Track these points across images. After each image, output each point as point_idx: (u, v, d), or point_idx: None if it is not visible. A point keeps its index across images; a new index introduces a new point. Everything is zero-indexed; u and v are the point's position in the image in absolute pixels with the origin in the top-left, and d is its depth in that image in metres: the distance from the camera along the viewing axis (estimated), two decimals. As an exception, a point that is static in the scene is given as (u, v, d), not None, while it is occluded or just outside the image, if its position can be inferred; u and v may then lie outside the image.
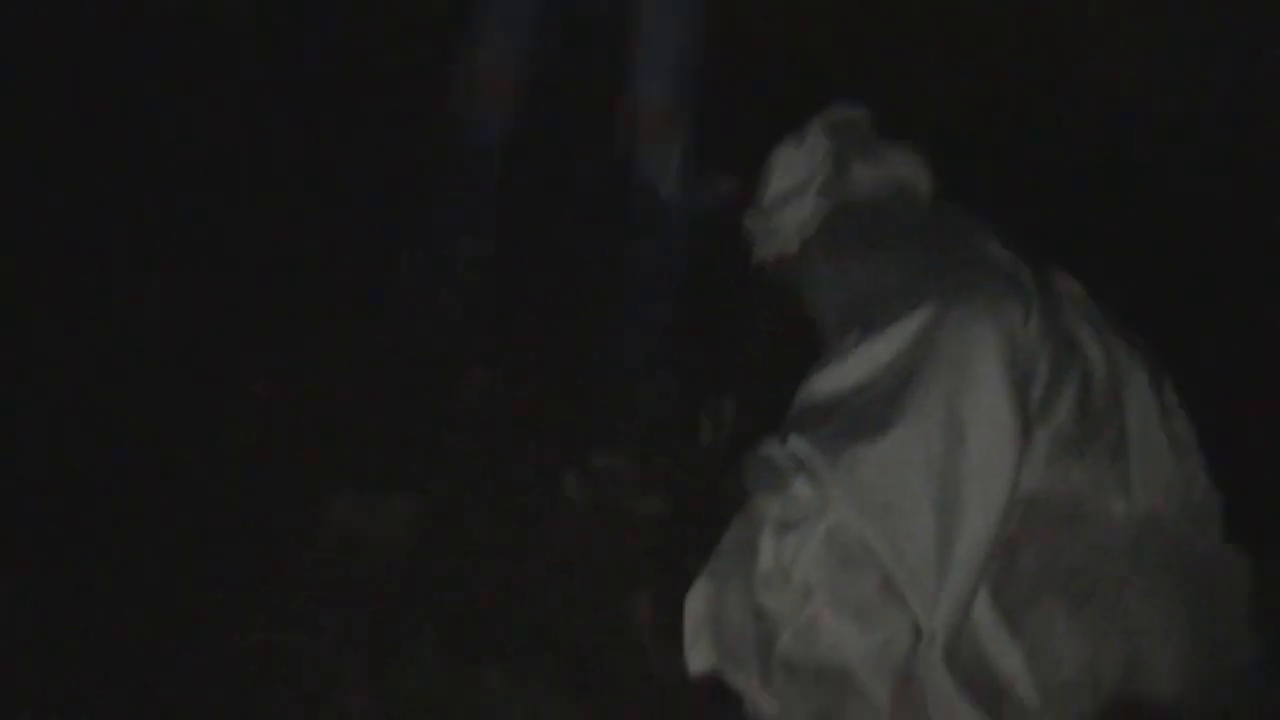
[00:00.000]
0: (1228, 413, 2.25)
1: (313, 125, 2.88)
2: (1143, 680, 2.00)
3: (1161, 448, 2.12)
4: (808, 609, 1.99)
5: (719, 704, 1.98)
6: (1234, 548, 2.13)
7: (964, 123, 3.17)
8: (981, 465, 1.98)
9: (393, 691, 1.96)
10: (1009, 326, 2.03)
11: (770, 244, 2.62)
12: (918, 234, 2.34)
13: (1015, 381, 2.01)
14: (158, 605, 2.06)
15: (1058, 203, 3.03)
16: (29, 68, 2.66)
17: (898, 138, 2.63)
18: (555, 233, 2.83)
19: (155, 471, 2.29)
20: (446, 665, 2.00)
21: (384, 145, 2.84)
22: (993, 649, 1.99)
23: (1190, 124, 3.23)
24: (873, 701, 1.94)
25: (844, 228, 2.48)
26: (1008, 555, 2.02)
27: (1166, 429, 2.13)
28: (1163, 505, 2.09)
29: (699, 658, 2.03)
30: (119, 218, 2.65)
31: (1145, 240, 2.99)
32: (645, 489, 2.35)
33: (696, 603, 2.07)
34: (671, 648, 2.03)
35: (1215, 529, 2.13)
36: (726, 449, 2.41)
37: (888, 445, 2.00)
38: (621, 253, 2.58)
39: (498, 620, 2.09)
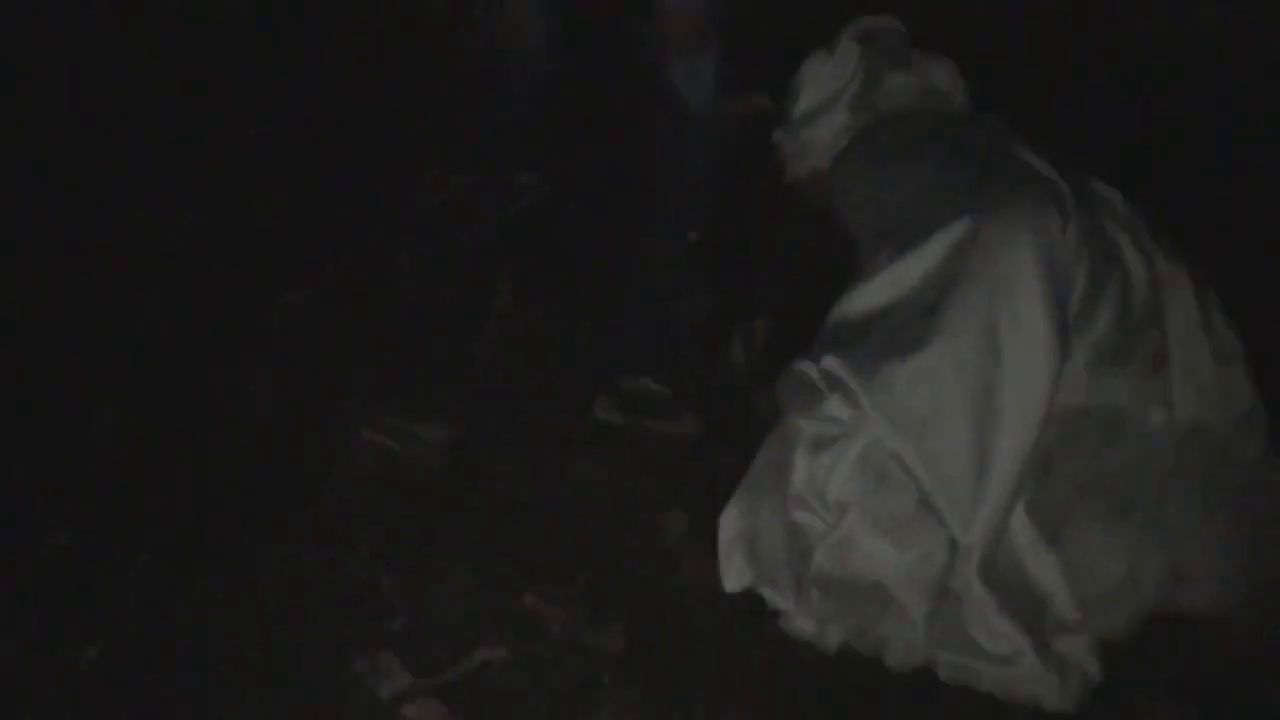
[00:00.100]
0: (1272, 323, 2.20)
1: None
2: (1183, 592, 1.98)
3: (1204, 358, 2.07)
4: (842, 527, 1.98)
5: (754, 623, 1.98)
6: (1277, 459, 2.09)
7: (997, 30, 3.09)
8: (1018, 380, 1.94)
9: (429, 613, 1.98)
10: (1046, 237, 1.98)
11: (802, 160, 2.58)
12: (952, 146, 2.28)
13: (1053, 294, 1.96)
14: (192, 529, 2.08)
15: (1094, 112, 2.96)
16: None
17: (929, 47, 2.57)
18: (585, 150, 2.79)
19: (188, 397, 2.31)
20: (481, 587, 2.02)
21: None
22: (1030, 563, 1.97)
23: (1222, 38, 3.13)
24: (909, 618, 1.93)
25: (876, 141, 2.43)
26: (1045, 469, 2.00)
27: (1209, 339, 2.08)
28: (1204, 416, 2.06)
29: (733, 577, 2.03)
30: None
31: (1184, 147, 2.92)
32: (677, 410, 2.34)
33: (730, 522, 2.07)
34: (706, 568, 2.03)
35: (1258, 440, 2.09)
36: (759, 368, 2.39)
37: (923, 361, 1.97)
38: (652, 170, 2.55)
39: (532, 542, 2.10)
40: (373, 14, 3.05)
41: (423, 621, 1.97)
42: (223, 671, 1.88)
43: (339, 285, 2.56)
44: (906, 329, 2.02)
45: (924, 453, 1.94)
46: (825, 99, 2.54)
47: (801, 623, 1.98)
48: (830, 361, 2.04)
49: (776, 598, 2.00)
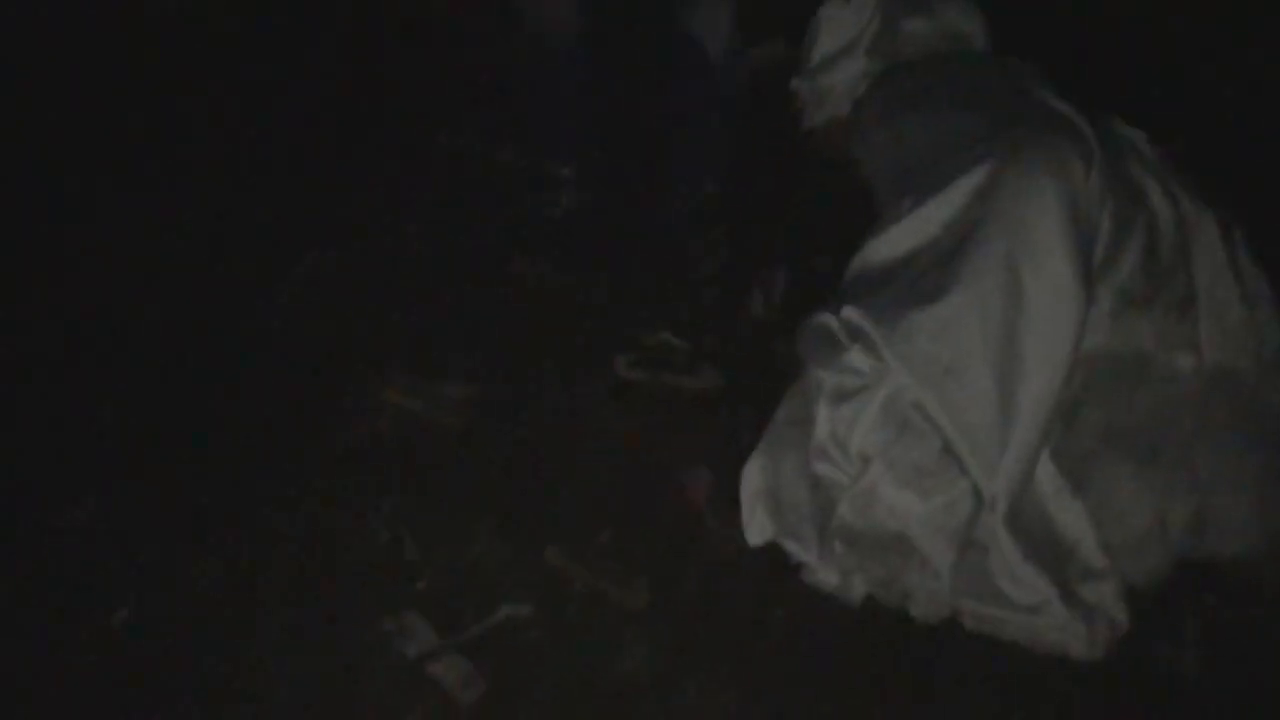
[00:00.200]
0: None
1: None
2: (1211, 537, 1.96)
3: (1231, 301, 2.04)
4: (865, 478, 1.96)
5: (778, 575, 1.98)
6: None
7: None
8: (1042, 327, 1.92)
9: (453, 571, 1.99)
10: (1069, 181, 1.94)
11: (820, 108, 2.54)
12: (972, 90, 2.24)
13: (1077, 239, 1.93)
14: (216, 494, 2.09)
15: (1117, 51, 2.90)
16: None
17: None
18: (599, 105, 2.76)
19: (207, 365, 2.32)
20: (505, 545, 2.02)
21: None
22: (1056, 511, 1.96)
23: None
24: (933, 568, 1.92)
25: (895, 87, 2.38)
26: (1071, 415, 1.97)
27: (1237, 281, 2.04)
28: (1232, 360, 2.02)
29: (757, 530, 2.03)
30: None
31: (1207, 89, 2.86)
32: (697, 364, 2.33)
33: (753, 475, 2.06)
34: (729, 521, 2.03)
35: (1287, 383, 2.06)
36: (778, 321, 2.37)
37: (945, 310, 1.94)
38: (668, 122, 2.52)
39: (554, 500, 2.10)
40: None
41: (447, 580, 1.98)
42: (250, 633, 1.90)
43: (356, 249, 2.56)
44: (928, 277, 1.99)
45: (947, 401, 1.92)
46: (843, 45, 2.50)
47: (825, 575, 1.98)
48: (851, 312, 2.02)
49: (800, 550, 2.00)
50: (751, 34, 2.57)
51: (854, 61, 2.48)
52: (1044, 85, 2.15)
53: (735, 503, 2.03)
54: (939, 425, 1.93)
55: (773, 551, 2.01)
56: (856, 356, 2.00)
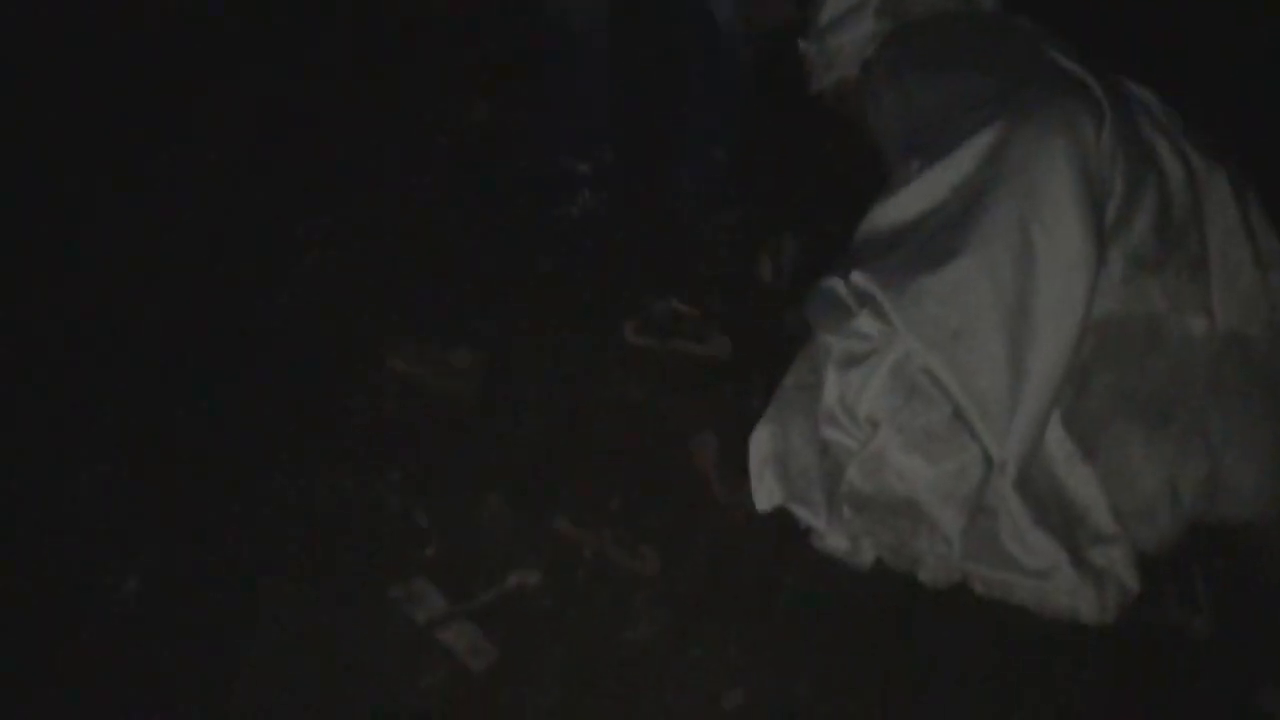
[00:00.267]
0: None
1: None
2: (1222, 501, 1.96)
3: (1244, 263, 2.02)
4: (874, 443, 1.96)
5: (787, 541, 1.98)
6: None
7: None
8: (1053, 291, 1.91)
9: (462, 539, 1.99)
10: (1080, 142, 1.92)
11: (828, 70, 2.52)
12: (982, 50, 2.22)
13: (1088, 201, 1.91)
14: (224, 461, 2.09)
15: (1128, 11, 2.86)
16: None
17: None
18: (606, 68, 2.73)
19: (215, 333, 2.31)
20: (514, 513, 2.02)
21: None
22: (1067, 475, 1.95)
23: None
24: (943, 533, 1.92)
25: (904, 48, 2.36)
26: (1082, 380, 1.96)
27: (1250, 242, 2.03)
28: (1245, 324, 2.01)
29: (765, 495, 2.03)
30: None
31: (1220, 50, 2.82)
32: (706, 331, 2.32)
33: (761, 441, 2.05)
34: (737, 487, 2.03)
35: (1300, 347, 2.05)
36: (787, 287, 2.36)
37: (955, 274, 1.93)
38: (675, 85, 2.49)
39: (563, 467, 2.10)
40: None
41: (456, 547, 1.98)
42: (259, 600, 1.90)
43: (362, 217, 2.55)
44: (937, 241, 1.98)
45: (956, 366, 1.91)
46: (851, 5, 2.48)
47: (834, 541, 1.98)
48: (859, 276, 2.01)
49: (809, 516, 1.99)
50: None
51: (862, 22, 2.46)
52: (1054, 45, 2.13)
53: (744, 469, 2.03)
54: (948, 390, 1.93)
55: (781, 517, 2.00)
56: (865, 321, 1.99)
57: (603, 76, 2.49)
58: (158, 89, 2.71)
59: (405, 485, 2.06)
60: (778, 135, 2.65)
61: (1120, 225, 1.97)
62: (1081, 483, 1.95)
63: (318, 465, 2.08)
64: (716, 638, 1.87)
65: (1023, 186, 1.92)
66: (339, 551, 1.96)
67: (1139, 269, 1.98)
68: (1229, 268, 2.01)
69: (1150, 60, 2.21)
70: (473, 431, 2.16)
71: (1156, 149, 1.99)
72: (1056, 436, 1.96)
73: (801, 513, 2.00)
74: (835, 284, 2.06)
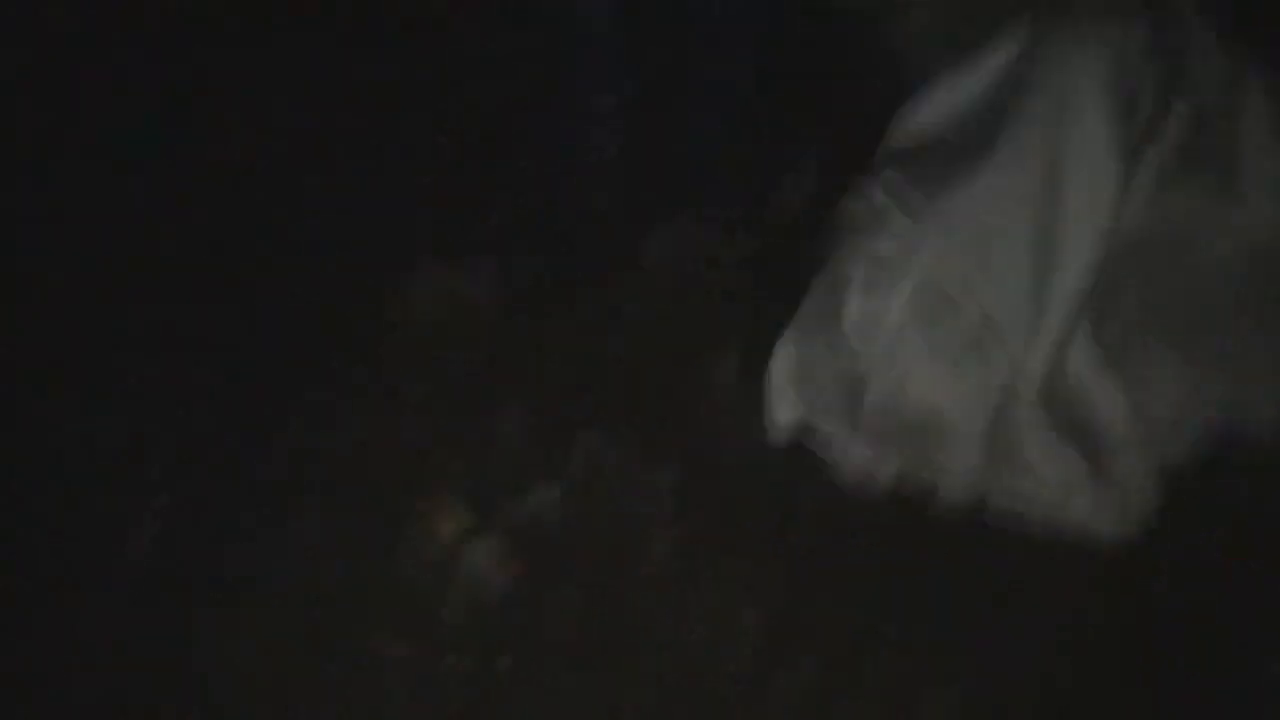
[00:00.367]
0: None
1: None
2: (1246, 416, 1.94)
3: (1277, 175, 1.98)
4: (898, 358, 1.95)
5: (808, 458, 1.98)
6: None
7: None
8: (1080, 203, 1.88)
9: (487, 454, 2.00)
10: (1110, 48, 1.88)
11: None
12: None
13: (1117, 111, 1.88)
14: (250, 376, 2.10)
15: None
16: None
17: None
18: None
19: (239, 248, 2.31)
20: (537, 429, 2.03)
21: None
22: (1090, 390, 1.94)
23: None
24: (965, 448, 1.92)
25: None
26: (1108, 293, 1.94)
27: (1284, 154, 1.98)
28: (1275, 239, 1.97)
29: (786, 414, 2.02)
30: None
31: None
32: (728, 249, 2.29)
33: (782, 359, 2.04)
34: (759, 406, 2.02)
35: (1332, 261, 2.01)
36: (810, 204, 2.32)
37: (983, 183, 1.91)
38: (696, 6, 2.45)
39: (584, 389, 2.10)
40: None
41: (481, 463, 2.00)
42: (284, 517, 1.92)
43: (387, 134, 2.52)
44: (965, 151, 1.95)
45: (984, 276, 1.90)
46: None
47: (855, 457, 1.97)
48: (884, 189, 1.99)
49: (830, 433, 1.99)
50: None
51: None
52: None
53: (764, 387, 2.02)
54: (974, 302, 1.91)
55: (800, 440, 2.00)
56: (889, 234, 1.97)
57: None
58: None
59: (430, 402, 2.06)
60: (797, 49, 2.60)
61: (1150, 135, 1.92)
62: (1105, 397, 1.94)
63: (340, 379, 2.09)
64: (735, 556, 1.88)
65: (1050, 96, 1.89)
66: (362, 466, 1.97)
67: (1169, 180, 1.94)
68: (1261, 180, 1.97)
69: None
70: (494, 347, 2.16)
71: (1190, 60, 1.94)
72: (1081, 350, 1.94)
73: (823, 430, 2.00)
74: (858, 201, 2.03)
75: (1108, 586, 1.82)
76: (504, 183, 2.44)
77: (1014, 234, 1.89)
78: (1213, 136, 1.97)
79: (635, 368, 2.13)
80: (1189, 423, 1.93)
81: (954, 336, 1.93)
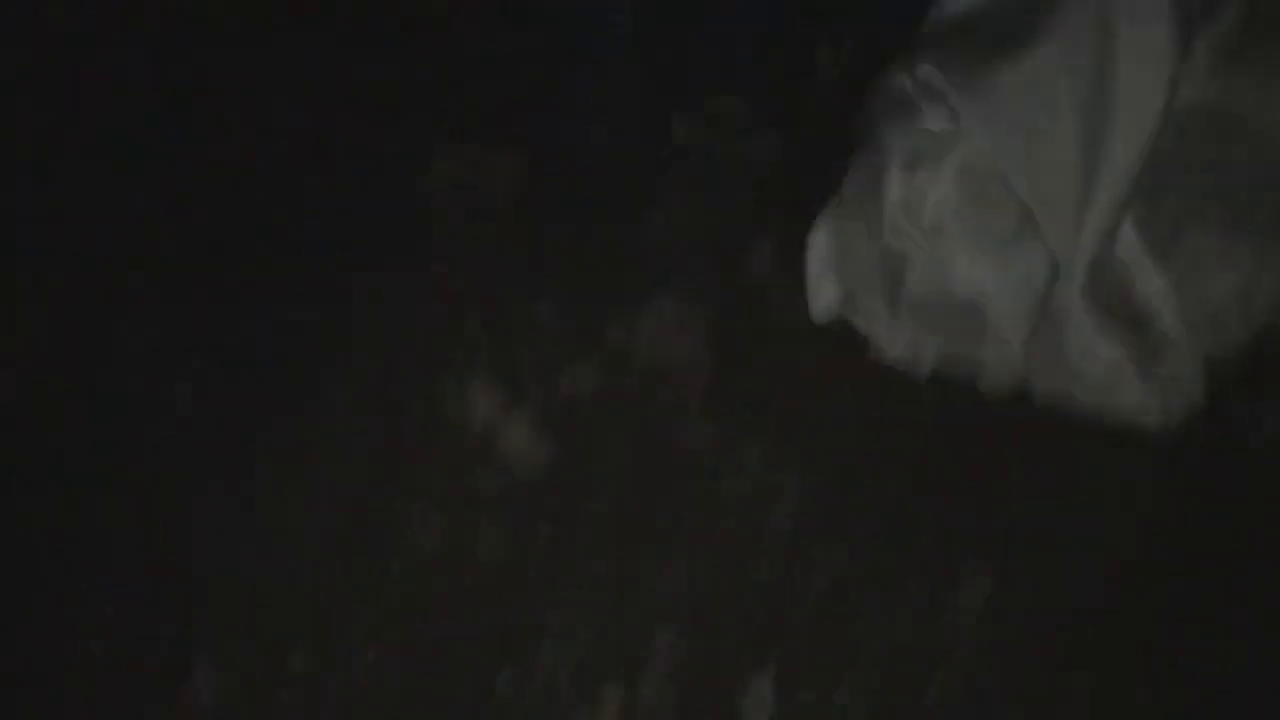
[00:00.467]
0: None
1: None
2: (1301, 308, 1.90)
3: (1345, 53, 1.90)
4: (938, 246, 1.89)
5: (844, 348, 1.95)
6: None
7: None
8: (1134, 84, 1.80)
9: (516, 345, 1.98)
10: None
11: None
12: None
13: (1176, -16, 1.79)
14: (270, 259, 2.08)
15: None
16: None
17: None
18: None
19: (257, 130, 2.26)
20: (566, 319, 2.00)
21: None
22: (1136, 279, 1.89)
23: None
24: (1006, 339, 1.88)
25: None
26: (1157, 180, 1.87)
27: (1348, 36, 1.90)
28: (1335, 120, 1.90)
29: (822, 300, 1.98)
30: None
31: None
32: (760, 129, 2.23)
33: (819, 244, 2.00)
34: (793, 292, 1.98)
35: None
36: (848, 82, 2.24)
37: (1030, 66, 1.82)
38: None
39: (613, 272, 2.06)
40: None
41: (508, 350, 1.97)
42: (313, 398, 1.91)
43: (408, 9, 2.44)
44: (1011, 30, 1.85)
45: (1028, 164, 1.83)
46: None
47: (893, 347, 1.93)
48: (926, 70, 1.90)
49: (867, 323, 1.95)
50: None
51: None
52: None
53: (799, 274, 1.98)
54: (1018, 190, 1.85)
55: (838, 324, 1.96)
56: (931, 118, 1.90)
57: None
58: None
59: (456, 290, 2.03)
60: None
61: (1208, 12, 1.83)
62: (1151, 288, 1.89)
63: (362, 266, 2.05)
64: (770, 447, 1.86)
65: (1107, -33, 1.80)
66: (391, 354, 1.95)
67: (1224, 61, 1.86)
68: (1322, 63, 1.89)
69: None
70: (519, 234, 2.12)
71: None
72: (1127, 240, 1.88)
73: (860, 320, 1.96)
74: (900, 77, 1.95)
75: (1152, 478, 1.80)
76: (527, 63, 2.37)
77: (1061, 116, 1.81)
78: (1272, 16, 1.88)
79: (665, 253, 2.08)
80: (1240, 313, 1.88)
81: (997, 223, 1.87)
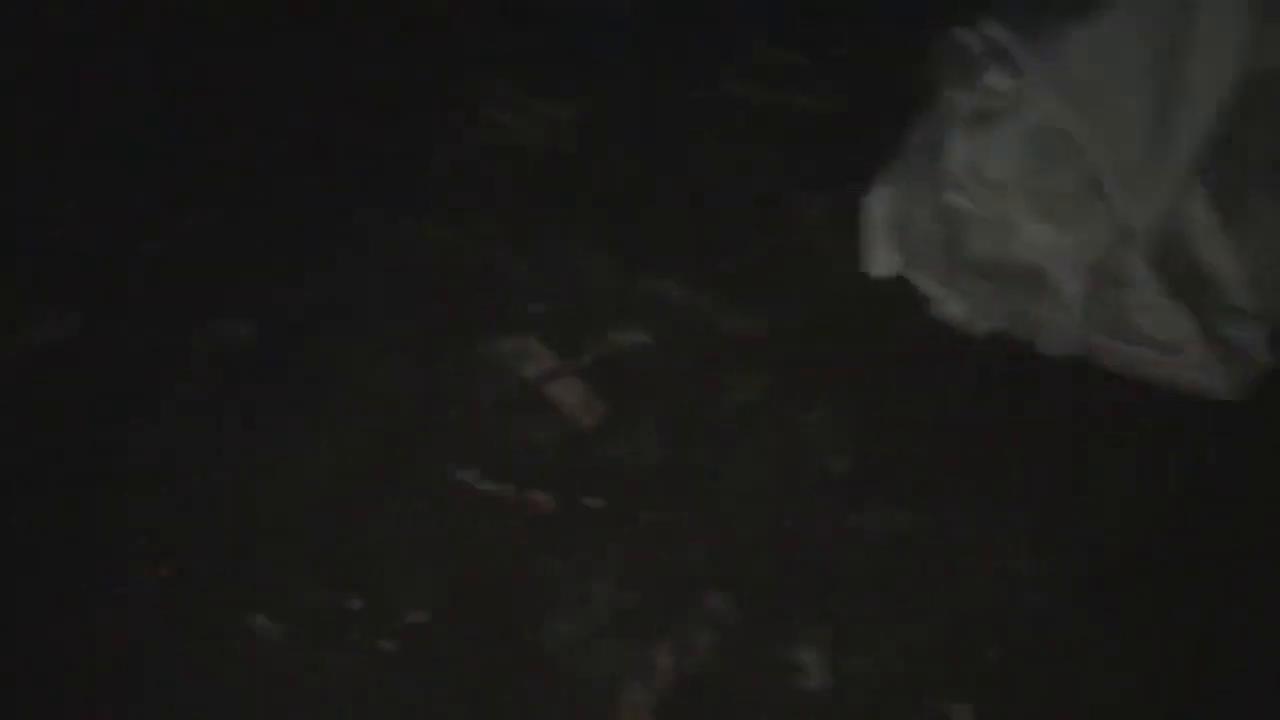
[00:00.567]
0: None
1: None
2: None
3: None
4: (1001, 207, 1.86)
5: (902, 307, 1.93)
6: None
7: None
8: (1209, 48, 1.76)
9: (567, 296, 1.96)
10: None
11: None
12: None
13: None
14: (317, 206, 2.07)
15: None
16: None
17: None
18: None
19: (301, 67, 2.26)
20: (617, 271, 1.98)
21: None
22: (1203, 245, 1.86)
23: None
24: (1066, 302, 1.85)
25: None
26: (1225, 143, 1.83)
27: None
28: None
29: (881, 260, 1.96)
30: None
31: None
32: (817, 82, 2.19)
33: (877, 204, 1.97)
34: (850, 251, 1.96)
35: None
36: (908, 36, 2.20)
37: (1100, 28, 1.78)
38: None
39: (664, 226, 2.04)
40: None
41: (562, 305, 1.96)
42: (368, 345, 1.90)
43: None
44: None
45: (1097, 127, 1.79)
46: None
47: (952, 308, 1.92)
48: (993, 26, 1.85)
49: (926, 282, 1.93)
50: None
51: None
52: None
53: (854, 231, 1.95)
54: (1085, 152, 1.81)
55: (896, 283, 1.94)
56: (997, 77, 1.85)
57: None
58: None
59: (505, 238, 2.02)
60: None
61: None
62: (1217, 253, 1.86)
63: (412, 215, 2.03)
64: (825, 402, 1.84)
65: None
66: (445, 304, 1.93)
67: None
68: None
69: None
70: (569, 184, 2.09)
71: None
72: (1194, 203, 1.85)
73: (919, 279, 1.94)
74: (965, 34, 1.89)
75: (1209, 445, 1.77)
76: (576, 10, 2.33)
77: (1132, 84, 1.77)
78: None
79: (717, 208, 2.06)
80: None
81: (1062, 184, 1.83)
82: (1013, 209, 1.85)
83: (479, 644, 1.53)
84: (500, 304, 1.93)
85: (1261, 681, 1.47)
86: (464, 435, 1.78)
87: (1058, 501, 1.72)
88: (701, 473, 1.77)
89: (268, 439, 1.78)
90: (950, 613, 1.56)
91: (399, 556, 1.63)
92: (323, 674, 1.49)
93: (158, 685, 1.46)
